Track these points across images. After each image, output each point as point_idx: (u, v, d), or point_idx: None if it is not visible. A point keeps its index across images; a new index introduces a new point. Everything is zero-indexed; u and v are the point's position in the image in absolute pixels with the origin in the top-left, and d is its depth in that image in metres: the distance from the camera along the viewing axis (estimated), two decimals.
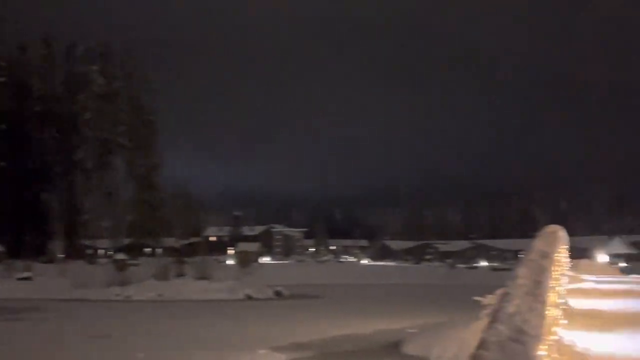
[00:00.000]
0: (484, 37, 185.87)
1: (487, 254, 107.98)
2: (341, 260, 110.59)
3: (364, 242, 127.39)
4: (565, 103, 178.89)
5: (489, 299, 9.91)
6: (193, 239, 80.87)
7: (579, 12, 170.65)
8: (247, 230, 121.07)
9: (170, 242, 70.82)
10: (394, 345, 15.46)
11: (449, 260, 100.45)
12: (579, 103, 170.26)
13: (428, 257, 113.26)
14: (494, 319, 4.63)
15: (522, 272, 6.26)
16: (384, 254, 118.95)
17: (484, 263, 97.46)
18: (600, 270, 30.61)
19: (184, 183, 74.79)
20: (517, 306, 4.90)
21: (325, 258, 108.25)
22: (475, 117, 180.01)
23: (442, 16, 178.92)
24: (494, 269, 77.31)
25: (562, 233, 13.41)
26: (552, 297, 8.45)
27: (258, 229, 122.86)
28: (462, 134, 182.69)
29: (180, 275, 35.94)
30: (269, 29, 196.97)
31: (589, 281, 16.24)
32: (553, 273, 9.32)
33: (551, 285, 8.27)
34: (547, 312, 6.53)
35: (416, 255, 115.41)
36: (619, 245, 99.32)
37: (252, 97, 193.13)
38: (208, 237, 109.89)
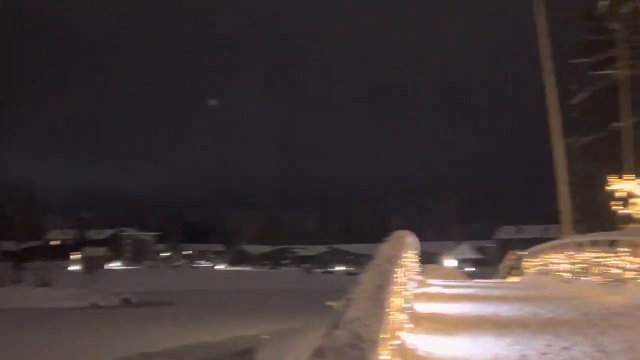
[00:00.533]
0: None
1: (343, 258, 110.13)
2: (195, 265, 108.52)
3: (220, 247, 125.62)
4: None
5: (340, 304, 9.78)
6: (33, 243, 76.24)
7: None
8: (94, 234, 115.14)
9: (7, 245, 66.17)
10: (247, 353, 15.24)
11: (305, 265, 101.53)
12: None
13: (285, 261, 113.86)
14: (333, 324, 4.35)
15: (366, 277, 6.07)
16: (241, 258, 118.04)
17: (340, 267, 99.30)
18: (448, 274, 31.87)
19: (24, 182, 70.34)
20: (357, 311, 4.64)
21: (178, 263, 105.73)
22: (328, 123, 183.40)
23: None
24: (349, 274, 78.99)
25: (410, 238, 13.56)
26: (397, 302, 8.39)
27: (106, 233, 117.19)
28: (317, 140, 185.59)
29: (18, 281, 33.72)
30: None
31: (435, 286, 16.62)
32: (399, 278, 9.29)
33: (396, 290, 8.19)
34: (389, 317, 6.39)
35: (274, 260, 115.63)
36: (467, 251, 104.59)
37: (105, 96, 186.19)
38: (50, 240, 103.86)
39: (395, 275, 8.17)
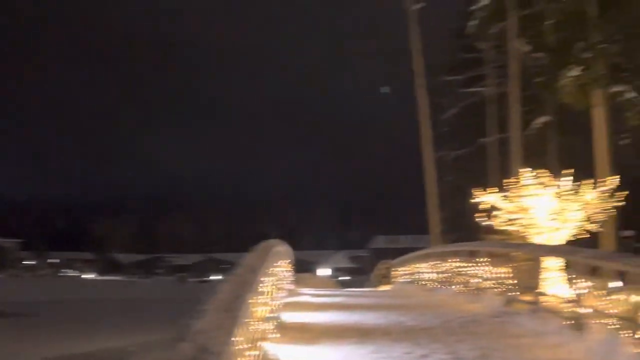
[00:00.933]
0: None
1: (219, 267, 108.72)
2: (61, 274, 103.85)
3: (89, 255, 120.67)
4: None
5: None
6: None
7: None
8: None
9: None
10: None
11: (180, 274, 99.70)
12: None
13: (159, 270, 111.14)
14: (179, 337, 4.18)
15: (223, 287, 5.92)
16: (111, 267, 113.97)
17: (216, 277, 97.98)
18: (321, 283, 32.19)
19: None
20: (207, 323, 4.49)
21: (43, 272, 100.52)
22: (206, 129, 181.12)
23: None
24: None
25: (282, 247, 13.50)
26: (261, 312, 8.29)
27: None
28: (194, 147, 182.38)
29: None
30: None
31: (306, 295, 16.66)
32: (266, 287, 9.21)
33: (260, 299, 8.09)
34: (248, 327, 6.27)
35: (146, 269, 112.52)
36: (343, 260, 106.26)
37: None
38: None
39: (259, 285, 8.07)
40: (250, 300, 6.53)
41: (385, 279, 28.21)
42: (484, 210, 14.99)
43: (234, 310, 5.11)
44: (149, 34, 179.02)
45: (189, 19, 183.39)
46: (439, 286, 16.90)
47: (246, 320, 6.22)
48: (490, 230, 16.36)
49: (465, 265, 14.97)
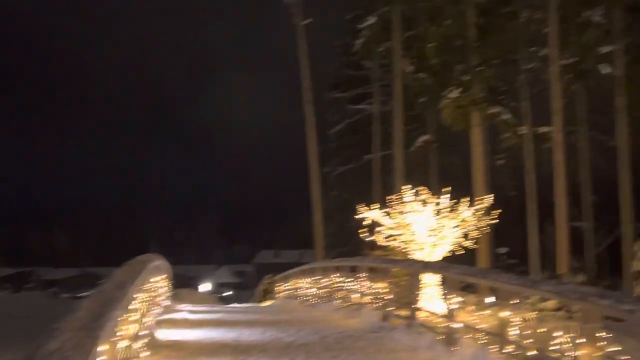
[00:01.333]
0: None
1: (95, 282, 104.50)
2: None
3: None
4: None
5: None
6: None
7: None
8: None
9: None
10: None
11: (52, 289, 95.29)
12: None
13: (29, 285, 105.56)
14: (29, 356, 3.83)
15: (84, 304, 5.52)
16: None
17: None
18: (201, 299, 31.58)
19: None
20: (62, 342, 4.14)
21: None
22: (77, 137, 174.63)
23: None
24: None
25: (158, 262, 13.02)
26: (130, 329, 7.88)
27: None
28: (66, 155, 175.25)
29: None
30: None
31: (183, 311, 16.17)
32: (137, 304, 8.80)
33: (129, 317, 7.70)
34: (105, 347, 5.90)
35: (15, 283, 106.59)
36: (226, 274, 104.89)
37: None
38: None
39: (129, 301, 7.68)
40: (117, 318, 6.17)
41: (269, 294, 28.01)
42: (368, 226, 15.09)
43: (95, 329, 4.76)
44: None
45: None
46: (320, 301, 16.87)
47: (111, 338, 5.86)
48: (373, 245, 16.49)
49: (347, 280, 15.01)
